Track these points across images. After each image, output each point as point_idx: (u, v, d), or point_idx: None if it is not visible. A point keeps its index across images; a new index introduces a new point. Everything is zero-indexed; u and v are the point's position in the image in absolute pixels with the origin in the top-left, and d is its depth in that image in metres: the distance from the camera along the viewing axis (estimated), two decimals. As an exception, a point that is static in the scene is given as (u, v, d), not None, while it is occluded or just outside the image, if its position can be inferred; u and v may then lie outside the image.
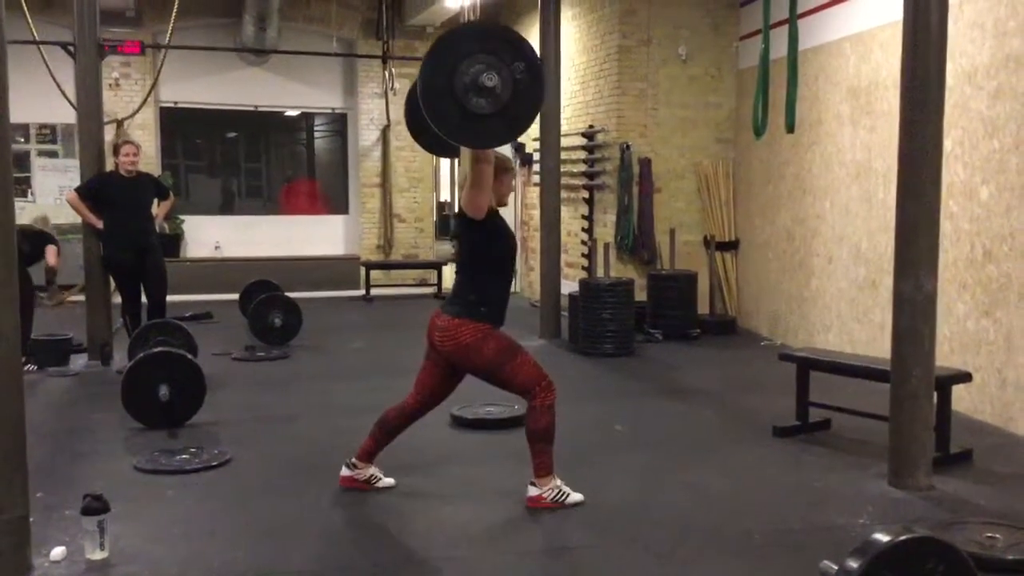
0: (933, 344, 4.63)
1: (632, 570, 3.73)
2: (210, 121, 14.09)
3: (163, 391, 5.66)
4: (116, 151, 7.70)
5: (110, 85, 11.99)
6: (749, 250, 9.51)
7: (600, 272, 8.84)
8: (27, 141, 12.80)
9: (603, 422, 5.97)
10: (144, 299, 7.80)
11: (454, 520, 4.27)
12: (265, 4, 11.62)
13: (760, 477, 4.92)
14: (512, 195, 5.01)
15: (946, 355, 6.02)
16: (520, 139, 4.81)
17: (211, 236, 13.44)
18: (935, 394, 4.75)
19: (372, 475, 4.61)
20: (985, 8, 6.01)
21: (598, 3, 10.13)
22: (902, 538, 2.83)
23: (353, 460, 4.62)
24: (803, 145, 8.34)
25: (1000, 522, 4.05)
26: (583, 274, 9.58)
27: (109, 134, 9.83)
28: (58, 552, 3.75)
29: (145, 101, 11.39)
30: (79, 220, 7.96)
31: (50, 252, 7.71)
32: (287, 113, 14.53)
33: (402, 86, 12.80)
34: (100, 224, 7.60)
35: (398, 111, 5.67)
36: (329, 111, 14.35)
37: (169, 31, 9.72)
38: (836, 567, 2.88)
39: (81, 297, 8.80)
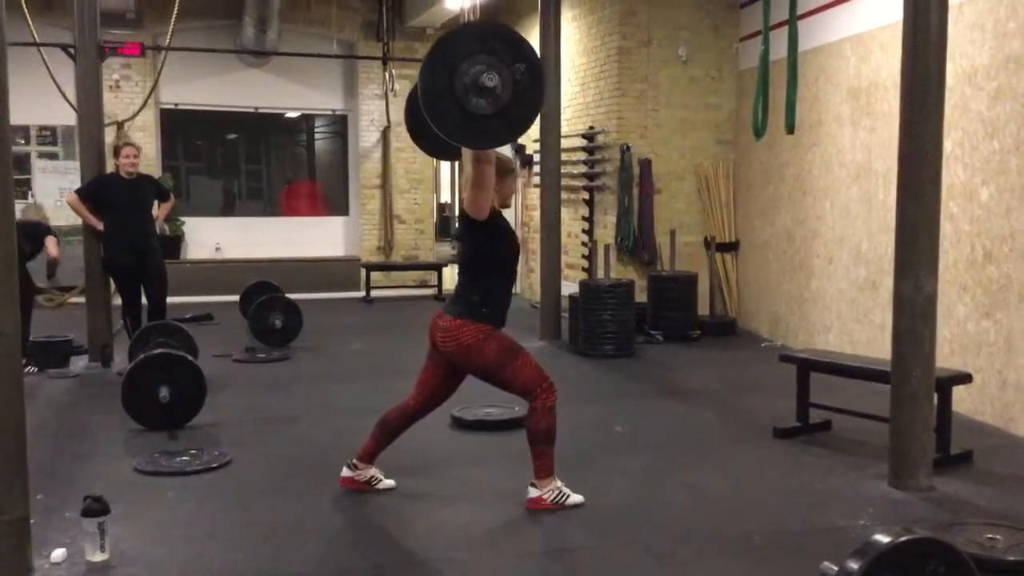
0: (933, 345, 4.63)
1: (632, 571, 3.73)
2: (210, 123, 14.10)
3: (163, 393, 5.66)
4: (116, 153, 7.70)
5: (110, 87, 12.00)
6: (749, 251, 9.52)
7: (600, 273, 8.85)
8: (28, 143, 12.81)
9: (603, 423, 5.97)
10: (144, 301, 7.81)
11: (454, 521, 4.26)
12: (265, 6, 11.64)
13: (760, 478, 4.92)
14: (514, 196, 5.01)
15: (946, 356, 6.02)
16: (520, 140, 4.80)
17: (211, 238, 13.44)
18: (935, 395, 4.75)
19: (373, 476, 4.61)
20: (985, 9, 6.01)
21: (598, 4, 10.13)
22: (902, 539, 2.83)
23: (354, 461, 4.62)
24: (803, 146, 8.34)
25: (1001, 523, 4.04)
26: (583, 275, 9.58)
27: (109, 136, 9.85)
28: (58, 554, 3.75)
29: (145, 103, 11.41)
30: (79, 222, 7.97)
31: (51, 243, 7.66)
32: (287, 115, 14.54)
33: (402, 87, 12.82)
34: (100, 226, 7.60)
35: (398, 112, 5.67)
36: (329, 113, 14.36)
37: (169, 33, 9.72)
38: (836, 568, 2.87)
39: (81, 299, 8.81)
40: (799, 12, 6.09)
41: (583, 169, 10.40)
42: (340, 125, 14.40)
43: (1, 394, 3.52)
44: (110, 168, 7.96)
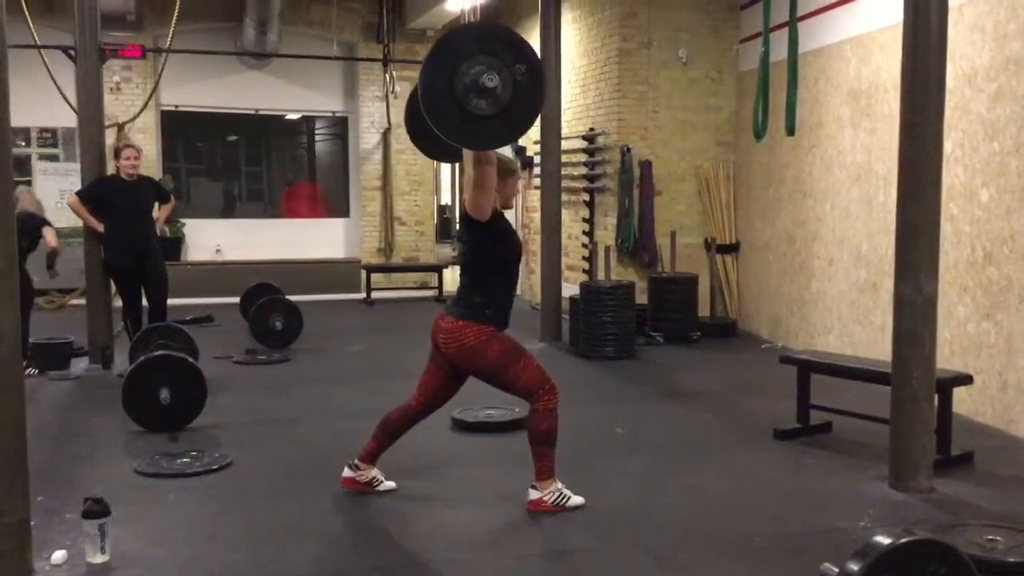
0: (934, 346, 4.63)
1: (633, 573, 3.73)
2: (211, 125, 14.10)
3: (164, 394, 5.66)
4: (117, 155, 7.70)
5: (111, 89, 12.00)
6: (749, 253, 9.52)
7: (601, 275, 8.85)
8: (28, 145, 12.82)
9: (604, 425, 5.97)
10: (145, 302, 7.81)
11: (455, 523, 4.26)
12: (266, 8, 11.64)
13: (761, 480, 4.92)
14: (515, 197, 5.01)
15: (947, 358, 6.02)
16: (521, 142, 4.79)
17: (212, 239, 13.44)
18: (936, 396, 4.75)
19: (373, 478, 4.61)
20: (985, 11, 6.02)
21: (598, 6, 10.14)
22: (903, 541, 2.83)
23: (356, 461, 4.62)
24: (803, 148, 8.34)
25: (1001, 524, 4.04)
26: (584, 277, 9.58)
27: (110, 138, 9.86)
28: (59, 556, 3.75)
29: (146, 105, 11.42)
30: (80, 224, 7.97)
31: (48, 233, 7.54)
32: (288, 116, 14.54)
33: (403, 89, 12.82)
34: (101, 228, 7.61)
35: (399, 114, 5.68)
36: (330, 114, 14.36)
37: (170, 35, 9.73)
38: (837, 570, 2.87)
39: (82, 301, 8.80)
40: (799, 14, 6.10)
41: (583, 171, 10.41)
42: (340, 127, 14.40)
43: (2, 396, 3.52)
44: (111, 170, 7.97)
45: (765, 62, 5.98)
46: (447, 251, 16.89)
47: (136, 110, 11.67)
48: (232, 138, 14.72)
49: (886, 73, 7.07)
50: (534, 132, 8.78)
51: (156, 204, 7.90)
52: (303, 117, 14.59)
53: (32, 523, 3.71)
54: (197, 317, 10.19)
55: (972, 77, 6.11)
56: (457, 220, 11.46)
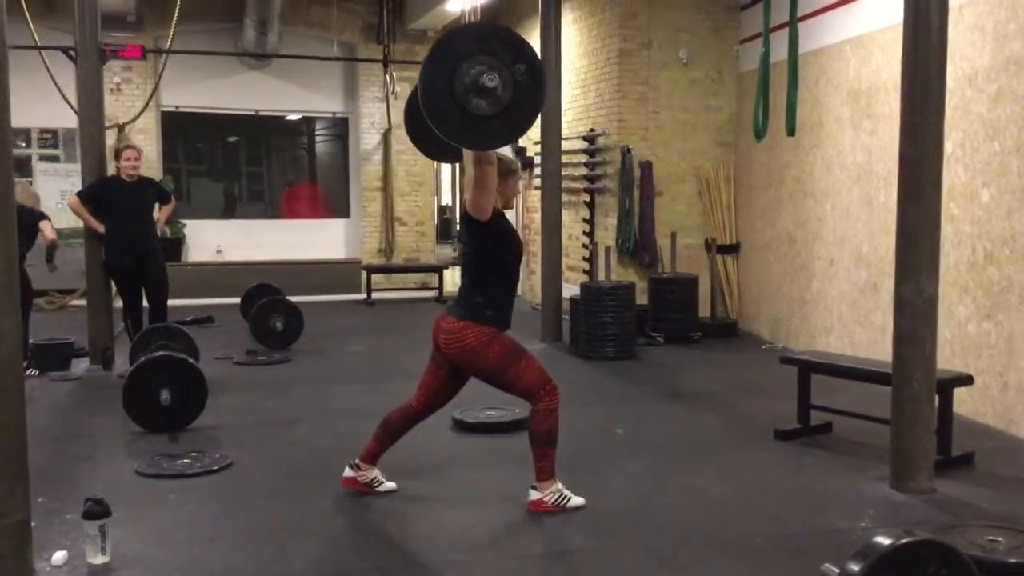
0: (934, 347, 4.63)
1: (633, 574, 3.73)
2: (211, 125, 14.11)
3: (164, 395, 5.66)
4: (117, 155, 7.71)
5: (111, 90, 12.00)
6: (750, 253, 9.51)
7: (601, 275, 8.85)
8: (29, 145, 12.82)
9: (604, 426, 5.97)
10: (145, 303, 7.81)
11: (455, 524, 4.26)
12: (266, 8, 11.64)
13: (761, 480, 4.92)
14: (516, 197, 5.02)
15: (947, 358, 6.02)
16: (521, 142, 4.79)
17: (212, 240, 13.44)
18: (936, 397, 4.74)
19: (374, 478, 4.61)
20: (985, 11, 6.01)
21: (599, 7, 10.14)
22: (903, 541, 2.83)
23: (357, 461, 4.62)
24: (804, 148, 8.34)
25: (1002, 525, 4.04)
26: (584, 277, 9.58)
27: (110, 138, 9.86)
28: (59, 556, 3.75)
29: (146, 105, 11.43)
30: (81, 224, 7.97)
31: (46, 227, 7.52)
32: (288, 117, 14.54)
33: (403, 90, 12.81)
34: (101, 228, 7.61)
35: (399, 115, 5.67)
36: (330, 115, 14.37)
37: (170, 36, 9.74)
38: (838, 570, 2.87)
39: (82, 301, 8.80)
40: (799, 14, 6.10)
41: (584, 171, 10.41)
42: (341, 128, 14.41)
43: (2, 396, 3.52)
44: (111, 171, 7.97)
45: (765, 62, 5.98)
46: (448, 252, 16.90)
47: (136, 111, 11.68)
48: (232, 139, 14.72)
49: (886, 73, 7.07)
50: (534, 132, 8.79)
51: (156, 205, 7.91)
52: (303, 118, 14.59)
53: (33, 524, 3.71)
54: (198, 318, 10.19)
55: (972, 77, 6.11)
56: (458, 220, 11.50)
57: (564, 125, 9.67)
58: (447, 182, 20.22)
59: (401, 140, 13.35)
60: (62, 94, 9.74)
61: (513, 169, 4.37)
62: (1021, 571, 3.64)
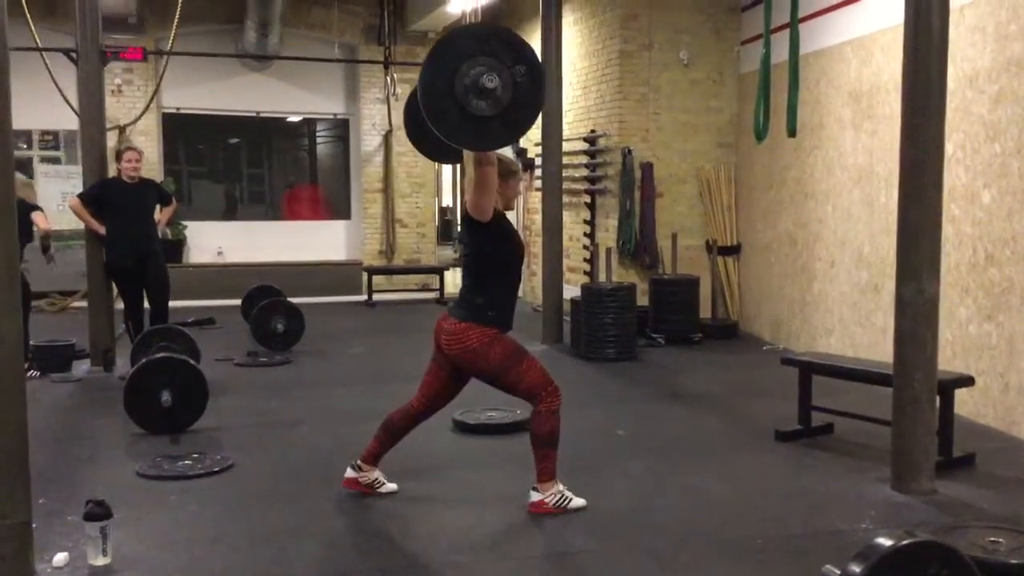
0: (935, 348, 4.62)
1: (634, 575, 3.73)
2: (212, 127, 14.12)
3: (165, 397, 5.66)
4: (118, 157, 7.71)
5: (112, 91, 12.01)
6: (751, 254, 9.51)
7: (602, 277, 8.85)
8: (30, 147, 12.83)
9: (605, 427, 5.97)
10: (146, 304, 7.82)
11: (456, 525, 4.26)
12: (267, 10, 11.65)
13: (762, 482, 4.92)
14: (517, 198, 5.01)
15: (948, 359, 6.02)
16: (522, 143, 4.80)
17: (213, 241, 13.45)
18: (937, 398, 4.74)
19: (376, 480, 4.61)
20: (986, 12, 6.01)
21: (599, 8, 10.14)
22: (905, 543, 2.83)
23: (358, 462, 4.62)
24: (805, 149, 8.34)
25: (1003, 526, 4.03)
26: (585, 279, 9.58)
27: (111, 140, 9.86)
28: (61, 558, 3.75)
29: (147, 107, 11.42)
30: (82, 226, 7.97)
31: (38, 217, 7.45)
32: (289, 119, 14.56)
33: (404, 91, 12.81)
34: (103, 230, 7.61)
35: (400, 116, 5.67)
36: (331, 117, 14.38)
37: (171, 37, 9.73)
38: (839, 572, 2.87)
39: (83, 303, 8.81)
40: (800, 15, 6.09)
41: (585, 172, 10.41)
42: (342, 129, 14.42)
43: (3, 398, 3.52)
44: (112, 172, 7.97)
45: (766, 64, 5.98)
46: (448, 253, 16.90)
47: (137, 112, 11.68)
48: (233, 140, 14.73)
49: (887, 74, 7.07)
50: (535, 134, 8.80)
51: (157, 206, 7.91)
52: (304, 119, 14.60)
53: (34, 525, 3.70)
54: (199, 319, 10.20)
55: (973, 78, 6.11)
56: (458, 222, 11.46)
57: (565, 126, 9.67)
58: (448, 183, 20.23)
59: (402, 142, 13.35)
60: (63, 96, 9.74)
61: (514, 170, 4.37)
62: (1022, 572, 3.64)
